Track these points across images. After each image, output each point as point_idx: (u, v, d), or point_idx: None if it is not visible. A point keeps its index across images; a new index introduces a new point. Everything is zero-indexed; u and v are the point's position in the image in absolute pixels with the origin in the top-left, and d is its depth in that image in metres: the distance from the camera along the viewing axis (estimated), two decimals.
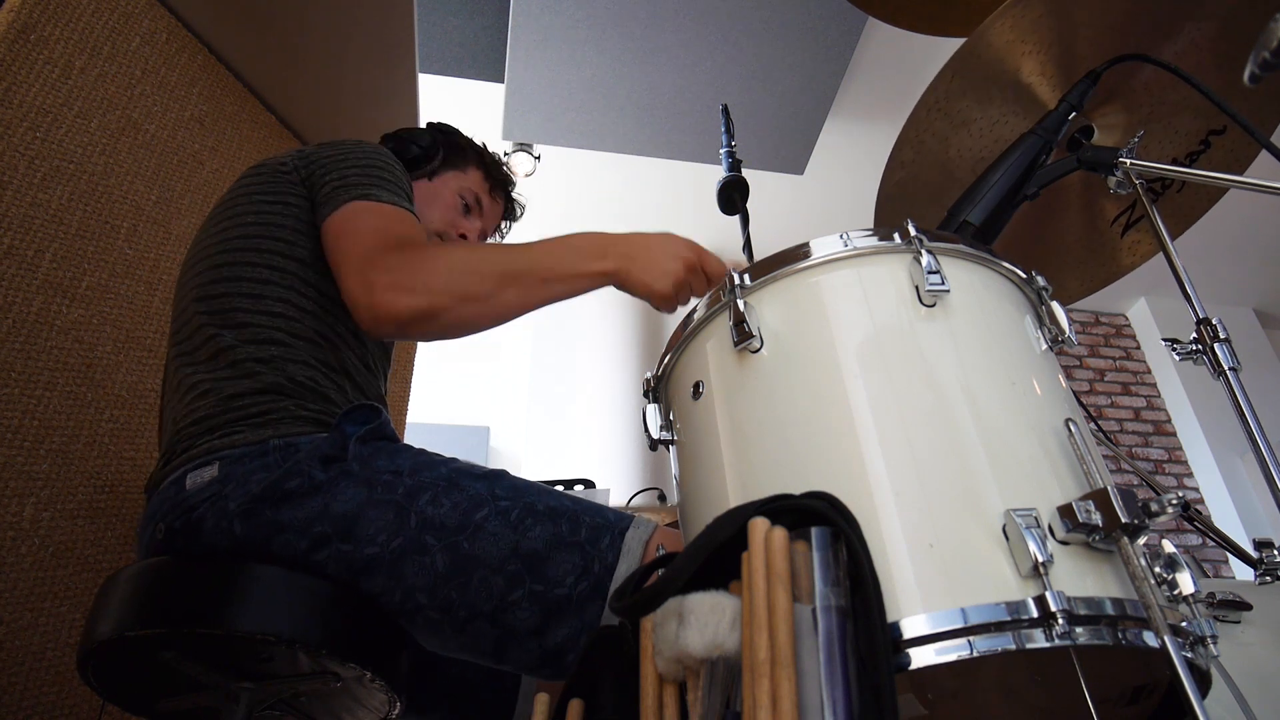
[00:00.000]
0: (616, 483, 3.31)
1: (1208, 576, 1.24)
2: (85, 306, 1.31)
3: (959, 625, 0.55)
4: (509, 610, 0.85)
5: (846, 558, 0.55)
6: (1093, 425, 0.93)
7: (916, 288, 0.72)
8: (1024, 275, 0.79)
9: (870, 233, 0.76)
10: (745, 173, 1.47)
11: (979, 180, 1.07)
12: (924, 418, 0.65)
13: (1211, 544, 3.68)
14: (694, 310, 0.84)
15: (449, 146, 1.36)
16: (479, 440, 5.26)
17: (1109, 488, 0.59)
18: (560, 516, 0.89)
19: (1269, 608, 0.98)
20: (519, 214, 1.50)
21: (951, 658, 0.55)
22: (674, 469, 0.84)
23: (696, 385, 0.79)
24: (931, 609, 0.56)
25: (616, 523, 0.90)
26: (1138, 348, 5.00)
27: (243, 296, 1.00)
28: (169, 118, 1.54)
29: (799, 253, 0.76)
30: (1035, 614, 0.55)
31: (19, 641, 1.11)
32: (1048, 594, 0.55)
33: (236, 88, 1.74)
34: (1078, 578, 0.58)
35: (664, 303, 1.00)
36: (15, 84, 1.23)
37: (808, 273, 0.76)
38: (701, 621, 0.54)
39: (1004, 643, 0.55)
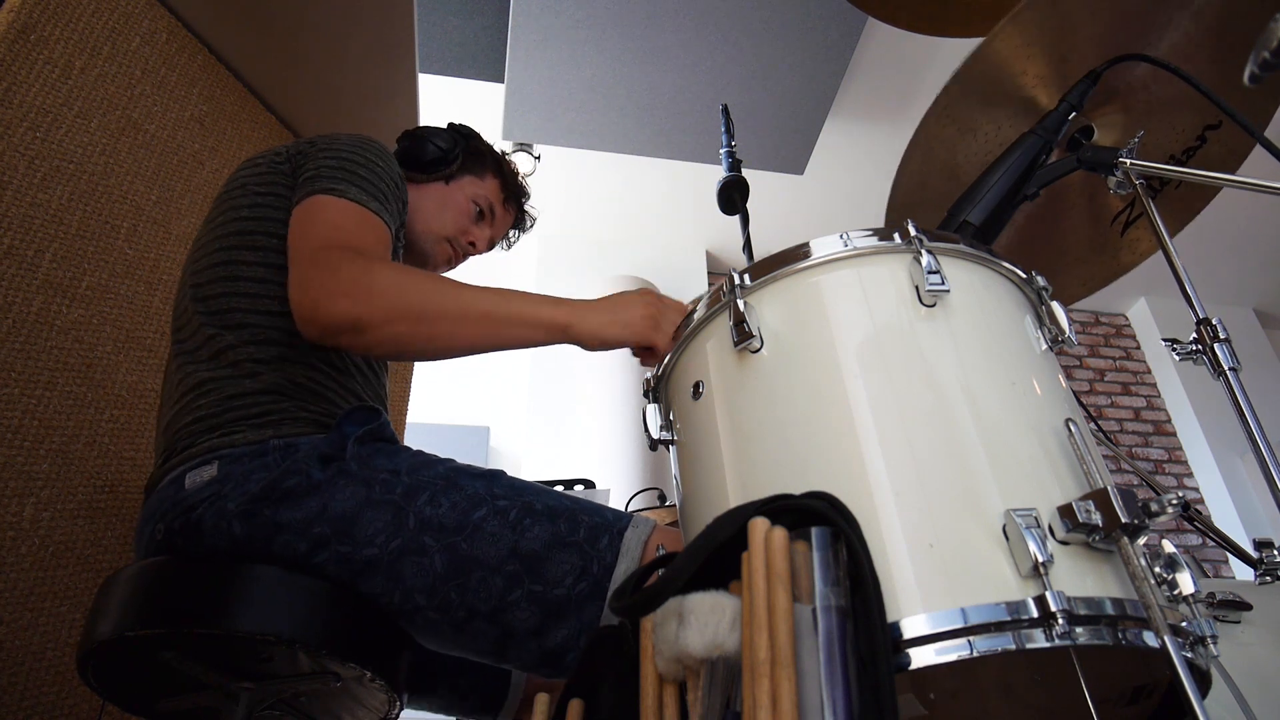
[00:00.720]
0: (616, 483, 3.31)
1: (1208, 576, 1.24)
2: (85, 306, 1.31)
3: (959, 625, 0.55)
4: (508, 610, 0.85)
5: (846, 558, 0.55)
6: (1093, 425, 0.93)
7: (916, 288, 0.72)
8: (1024, 275, 0.79)
9: (870, 233, 0.76)
10: (745, 173, 1.47)
11: (979, 180, 1.07)
12: (924, 418, 0.65)
13: (1211, 544, 3.68)
14: (694, 310, 0.84)
15: (469, 151, 1.33)
16: (479, 440, 5.25)
17: (1109, 488, 0.59)
18: (559, 516, 0.89)
19: (1269, 608, 0.98)
20: (529, 225, 1.47)
21: (951, 658, 0.55)
22: (674, 469, 0.84)
23: (696, 385, 0.79)
24: (931, 609, 0.56)
25: (615, 522, 0.90)
26: (1138, 348, 5.00)
27: (241, 296, 1.00)
28: (169, 118, 1.54)
29: (799, 253, 0.76)
30: (1035, 614, 0.55)
31: (19, 641, 1.11)
32: (1048, 594, 0.55)
33: (236, 88, 1.74)
34: (1078, 578, 0.58)
35: (629, 346, 0.96)
36: (15, 84, 1.23)
37: (808, 273, 0.76)
38: (701, 621, 0.54)
39: (1004, 643, 0.55)
